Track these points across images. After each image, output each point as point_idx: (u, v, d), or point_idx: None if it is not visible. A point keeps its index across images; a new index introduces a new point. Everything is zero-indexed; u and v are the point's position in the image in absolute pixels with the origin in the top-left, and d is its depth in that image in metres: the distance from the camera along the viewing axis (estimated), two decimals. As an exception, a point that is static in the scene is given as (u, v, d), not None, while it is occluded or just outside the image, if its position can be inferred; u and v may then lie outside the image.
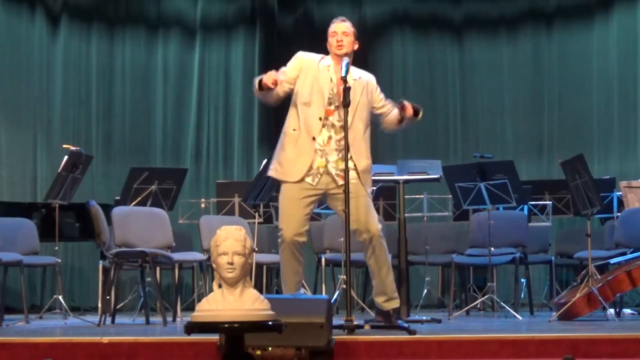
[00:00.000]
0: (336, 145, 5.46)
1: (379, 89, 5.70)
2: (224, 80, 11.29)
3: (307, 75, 5.54)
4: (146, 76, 11.17)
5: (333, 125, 5.47)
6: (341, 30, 5.56)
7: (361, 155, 5.52)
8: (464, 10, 11.38)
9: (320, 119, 5.48)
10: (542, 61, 11.14)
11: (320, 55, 5.64)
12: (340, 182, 5.43)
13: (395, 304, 5.60)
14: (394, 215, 8.67)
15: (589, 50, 10.92)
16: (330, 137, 5.47)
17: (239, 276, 4.10)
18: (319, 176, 5.48)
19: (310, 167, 5.48)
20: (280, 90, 5.51)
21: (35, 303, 9.38)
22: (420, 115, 5.67)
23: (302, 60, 5.60)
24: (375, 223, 5.51)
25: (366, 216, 5.48)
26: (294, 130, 5.52)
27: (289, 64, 5.61)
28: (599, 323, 6.47)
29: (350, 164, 5.41)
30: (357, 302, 8.26)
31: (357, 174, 5.47)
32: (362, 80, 5.60)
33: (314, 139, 5.47)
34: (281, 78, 5.43)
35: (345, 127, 5.31)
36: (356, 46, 5.60)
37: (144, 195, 8.14)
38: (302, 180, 5.48)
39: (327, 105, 5.48)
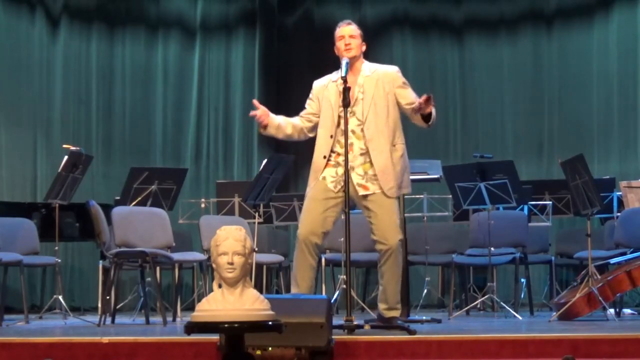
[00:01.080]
0: (360, 151, 5.46)
1: (400, 79, 5.60)
2: (224, 81, 11.30)
3: (321, 100, 5.60)
4: (146, 76, 11.17)
5: (353, 132, 5.45)
6: (348, 34, 5.56)
7: (381, 152, 5.48)
8: (464, 10, 11.38)
9: (331, 137, 5.50)
10: (542, 61, 11.14)
11: (331, 75, 5.65)
12: (362, 192, 5.47)
13: (395, 313, 5.60)
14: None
15: (589, 50, 10.92)
16: (352, 144, 5.45)
17: (239, 276, 4.10)
18: (342, 183, 5.47)
19: (335, 174, 5.49)
20: (307, 125, 5.64)
21: (35, 303, 9.39)
22: (432, 119, 5.55)
23: (315, 90, 5.67)
24: (394, 236, 5.48)
25: (387, 228, 5.47)
26: (315, 155, 5.59)
27: (307, 101, 5.69)
28: (599, 323, 6.47)
29: (368, 167, 5.47)
30: (357, 302, 8.26)
31: (377, 179, 5.47)
32: (377, 73, 5.58)
33: (324, 157, 5.50)
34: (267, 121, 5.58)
35: (345, 127, 5.33)
36: (364, 47, 5.63)
37: (144, 195, 8.14)
38: (324, 180, 5.50)
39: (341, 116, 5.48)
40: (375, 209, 5.48)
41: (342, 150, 5.47)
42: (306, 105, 5.69)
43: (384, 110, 5.52)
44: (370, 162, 5.49)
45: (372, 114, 5.49)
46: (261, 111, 5.59)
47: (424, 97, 5.40)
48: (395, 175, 5.50)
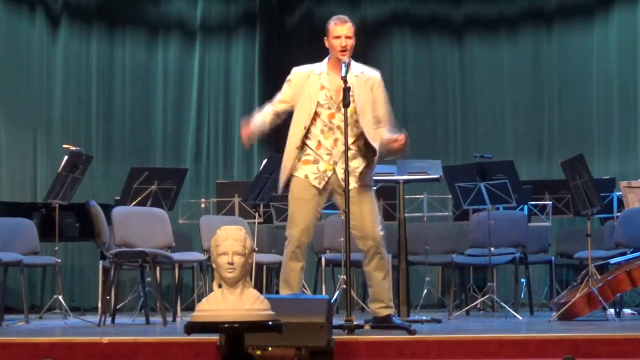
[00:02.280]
0: (343, 147, 5.38)
1: (382, 87, 5.60)
2: (224, 81, 11.30)
3: (299, 89, 5.55)
4: (146, 77, 11.17)
5: (338, 127, 5.42)
6: (345, 34, 5.50)
7: (369, 153, 5.51)
8: (464, 10, 11.38)
9: (304, 127, 5.48)
10: (542, 61, 11.14)
11: (314, 66, 5.62)
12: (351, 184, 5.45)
13: (390, 311, 5.61)
14: (394, 215, 8.67)
15: (589, 50, 10.92)
16: (336, 140, 5.44)
17: (239, 276, 4.10)
18: (326, 179, 5.48)
19: (317, 170, 5.49)
20: (276, 115, 5.63)
21: (35, 303, 9.39)
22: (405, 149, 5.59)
23: (293, 77, 5.61)
24: (376, 231, 5.49)
25: (368, 223, 5.48)
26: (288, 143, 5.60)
27: (284, 85, 5.66)
28: (599, 323, 6.47)
29: (357, 163, 5.47)
30: (357, 302, 8.26)
31: (365, 175, 5.48)
32: (364, 75, 5.57)
33: (296, 148, 5.50)
34: (256, 122, 5.63)
35: (345, 127, 5.30)
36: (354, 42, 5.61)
37: (144, 195, 8.14)
38: (306, 178, 5.49)
39: (326, 110, 5.47)
40: (358, 203, 5.45)
41: (326, 143, 5.46)
42: (282, 90, 5.62)
43: (370, 111, 5.52)
44: (354, 158, 5.47)
45: (362, 114, 5.48)
46: (246, 132, 5.64)
47: (402, 137, 5.47)
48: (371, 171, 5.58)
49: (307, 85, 5.52)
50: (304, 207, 5.48)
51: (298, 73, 5.61)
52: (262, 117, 5.63)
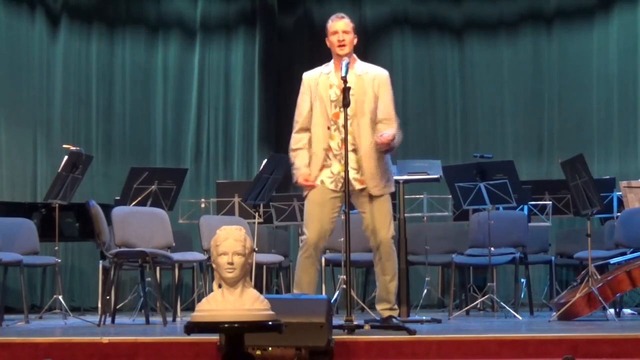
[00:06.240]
0: (352, 147, 5.43)
1: (388, 86, 5.62)
2: (224, 81, 11.30)
3: (312, 93, 5.58)
4: (146, 76, 11.17)
5: (343, 126, 5.37)
6: (342, 29, 5.54)
7: (367, 153, 5.51)
8: (463, 10, 11.38)
9: (328, 128, 5.50)
10: (542, 61, 11.14)
11: (322, 67, 5.64)
12: (358, 186, 5.48)
13: (394, 313, 5.64)
14: (394, 215, 8.64)
15: (589, 50, 10.92)
16: (343, 140, 5.41)
17: (239, 276, 4.10)
18: (341, 180, 5.47)
19: (331, 173, 5.51)
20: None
21: (35, 303, 9.39)
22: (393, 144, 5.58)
23: (306, 82, 5.63)
24: (386, 231, 5.53)
25: (379, 223, 5.51)
26: (310, 147, 5.59)
27: (300, 94, 5.64)
28: (599, 323, 6.47)
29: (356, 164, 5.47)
30: (357, 302, 8.25)
31: (372, 175, 5.49)
32: (370, 74, 5.58)
33: (324, 149, 5.51)
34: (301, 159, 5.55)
35: (345, 127, 5.31)
36: (355, 41, 5.60)
37: (144, 195, 8.14)
38: (323, 184, 5.51)
39: (333, 108, 5.49)
40: (370, 202, 5.49)
41: (333, 144, 5.49)
42: (299, 104, 5.61)
43: (371, 112, 5.53)
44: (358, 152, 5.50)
45: (367, 115, 5.50)
46: (304, 177, 5.57)
47: (384, 139, 5.46)
48: (380, 174, 5.54)
49: (319, 86, 5.55)
50: (319, 211, 5.51)
51: (309, 77, 5.62)
52: (306, 154, 5.59)
